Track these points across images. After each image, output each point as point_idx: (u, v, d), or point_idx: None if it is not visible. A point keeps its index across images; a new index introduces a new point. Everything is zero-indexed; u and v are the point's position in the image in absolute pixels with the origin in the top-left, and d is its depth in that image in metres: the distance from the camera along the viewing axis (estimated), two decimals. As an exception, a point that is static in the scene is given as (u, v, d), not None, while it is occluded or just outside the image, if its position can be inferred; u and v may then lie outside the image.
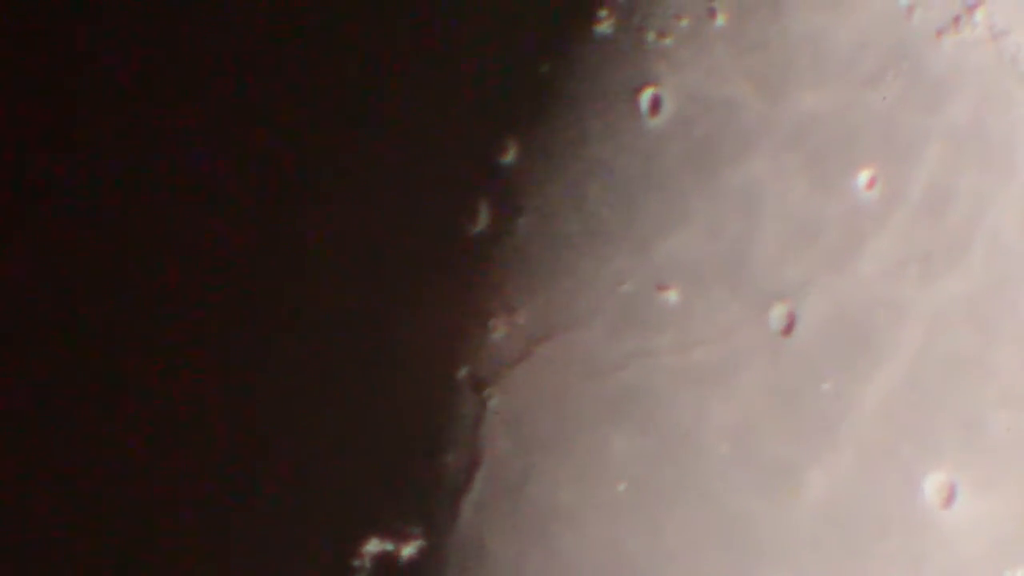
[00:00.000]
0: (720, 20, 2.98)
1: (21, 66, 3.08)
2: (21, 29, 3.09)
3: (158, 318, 3.02)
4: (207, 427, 3.01)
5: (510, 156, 2.98)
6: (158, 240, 3.03)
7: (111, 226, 3.03)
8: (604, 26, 2.98)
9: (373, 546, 2.95)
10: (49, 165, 3.06)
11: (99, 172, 3.05)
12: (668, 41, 2.98)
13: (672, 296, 2.97)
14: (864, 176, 2.98)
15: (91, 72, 3.06)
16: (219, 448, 2.99)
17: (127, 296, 3.02)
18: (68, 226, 3.04)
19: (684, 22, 2.98)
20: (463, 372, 2.97)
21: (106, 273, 3.03)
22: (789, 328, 2.97)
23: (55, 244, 3.04)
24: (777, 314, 2.97)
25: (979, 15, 2.99)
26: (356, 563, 2.95)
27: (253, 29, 3.04)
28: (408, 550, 2.95)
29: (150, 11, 3.06)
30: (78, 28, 3.08)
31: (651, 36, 2.98)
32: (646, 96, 2.98)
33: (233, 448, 2.98)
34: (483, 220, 2.98)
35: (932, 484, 2.97)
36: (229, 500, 2.97)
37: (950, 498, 2.97)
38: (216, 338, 3.02)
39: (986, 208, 2.99)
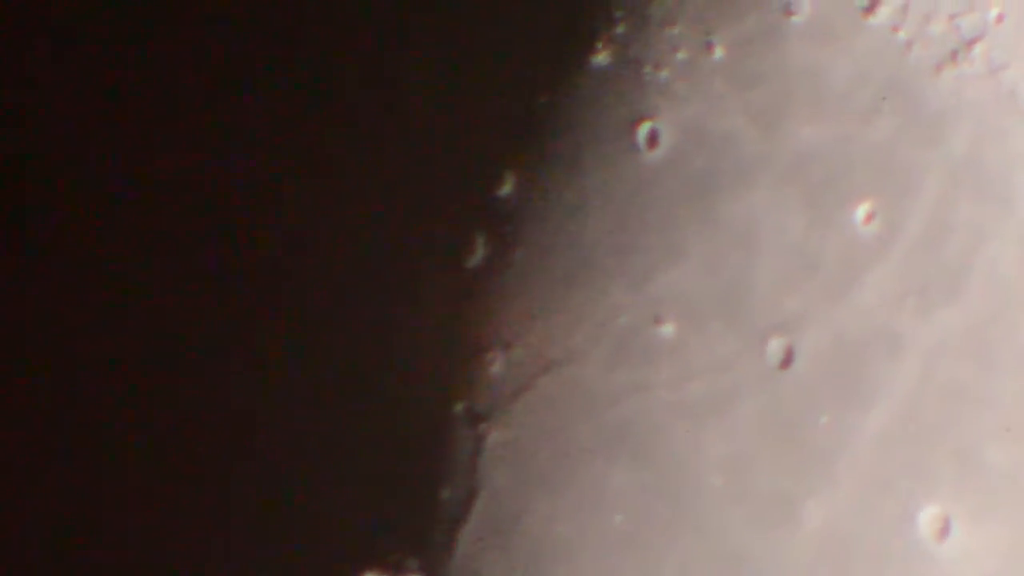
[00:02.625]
0: (718, 53, 2.97)
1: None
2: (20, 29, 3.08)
3: (140, 342, 3.02)
4: (202, 456, 3.00)
5: (507, 188, 2.97)
6: (147, 253, 3.03)
7: (108, 225, 3.03)
8: (601, 58, 2.97)
9: (370, 581, 2.95)
10: (47, 163, 3.06)
11: (99, 170, 3.04)
12: (665, 74, 2.97)
13: (669, 329, 2.97)
14: (862, 210, 2.98)
15: (91, 68, 3.06)
16: (214, 481, 2.99)
17: (117, 305, 3.02)
18: (62, 225, 3.04)
19: (681, 55, 2.97)
20: (460, 406, 2.97)
21: (101, 274, 3.02)
22: (787, 361, 2.97)
23: (51, 244, 3.04)
24: (775, 347, 2.97)
25: (978, 49, 2.99)
26: (353, 600, 2.95)
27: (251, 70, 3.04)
28: (405, 585, 2.95)
29: (156, 7, 3.05)
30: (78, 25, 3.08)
31: (648, 69, 2.97)
32: (643, 129, 2.97)
33: (229, 482, 2.98)
34: (480, 253, 2.97)
35: (928, 517, 2.97)
36: (223, 535, 2.97)
37: (945, 531, 2.97)
38: (211, 368, 3.01)
39: (984, 241, 2.99)
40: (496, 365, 2.97)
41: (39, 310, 3.04)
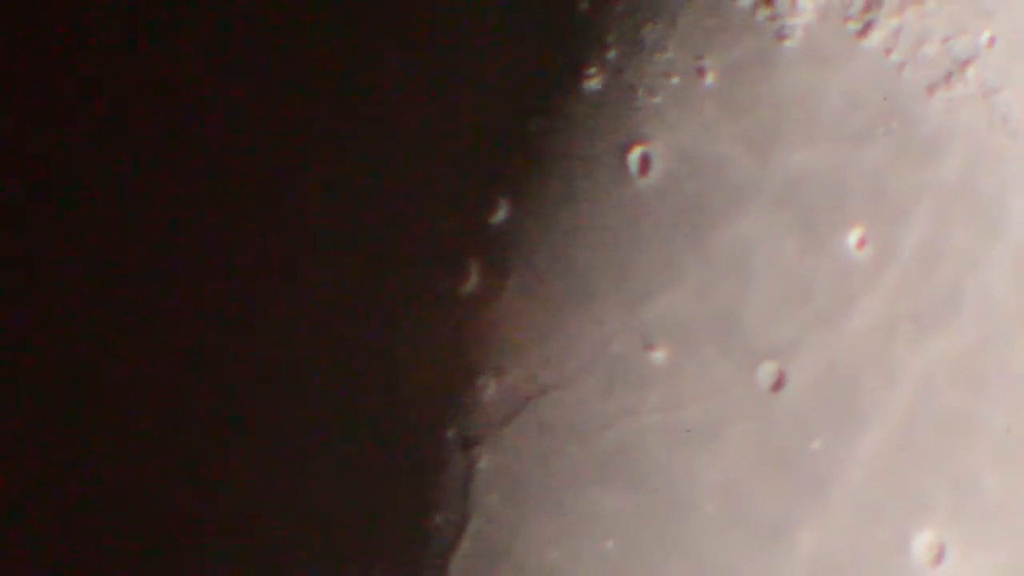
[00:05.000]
0: (710, 79, 2.97)
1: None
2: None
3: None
4: (191, 482, 3.01)
5: (500, 215, 2.97)
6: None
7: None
8: (593, 83, 2.97)
9: (362, 609, 2.96)
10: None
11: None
12: (658, 99, 2.97)
13: (661, 355, 2.97)
14: (855, 235, 2.97)
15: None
16: (204, 506, 2.99)
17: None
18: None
19: (674, 80, 2.97)
20: (452, 431, 2.97)
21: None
22: (779, 386, 2.97)
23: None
24: (767, 373, 2.97)
25: (971, 72, 2.98)
26: (344, 629, 2.96)
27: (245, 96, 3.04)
28: (397, 612, 2.96)
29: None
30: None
31: (641, 94, 2.97)
32: (636, 154, 2.97)
33: (219, 506, 2.98)
34: (473, 279, 2.97)
35: (922, 543, 2.97)
36: (213, 558, 2.97)
37: (939, 557, 2.97)
38: (201, 389, 3.02)
39: (977, 266, 2.98)
40: (489, 390, 2.97)
41: (39, 309, 3.04)
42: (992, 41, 2.99)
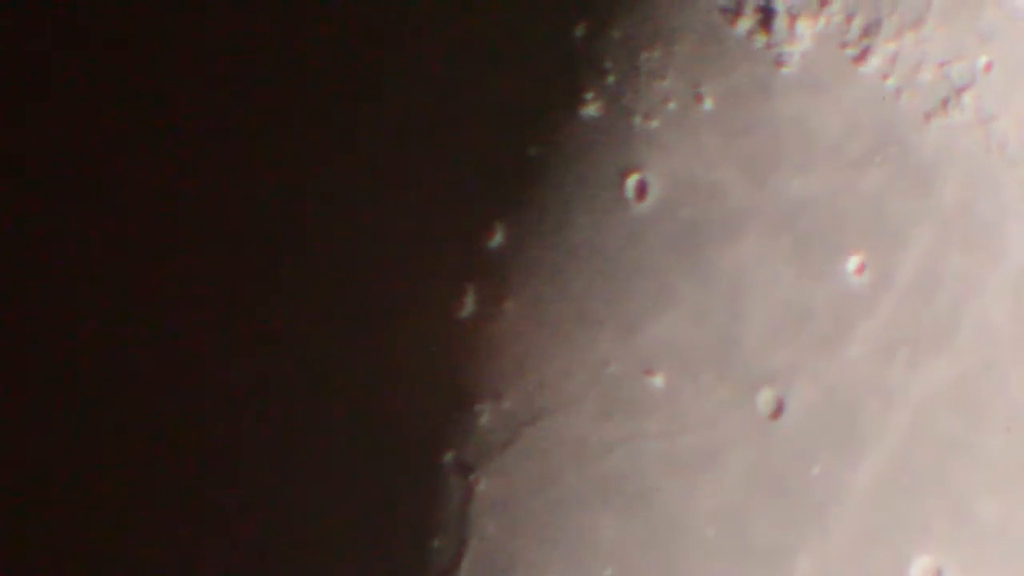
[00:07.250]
0: (707, 104, 2.97)
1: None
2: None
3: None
4: (190, 500, 3.01)
5: (496, 240, 2.98)
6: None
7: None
8: (591, 109, 2.98)
9: (359, 635, 2.95)
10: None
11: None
12: (655, 125, 2.97)
13: (659, 380, 2.97)
14: (852, 261, 2.97)
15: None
16: (201, 524, 2.99)
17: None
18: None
19: (671, 106, 2.97)
20: (450, 456, 2.97)
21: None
22: (777, 412, 2.97)
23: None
24: (765, 399, 2.97)
25: (967, 99, 2.98)
26: (341, 655, 2.95)
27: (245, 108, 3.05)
28: (394, 638, 2.95)
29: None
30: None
31: (638, 120, 2.97)
32: (633, 180, 2.98)
33: (214, 528, 2.98)
34: (470, 304, 2.98)
35: (920, 567, 2.96)
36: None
37: (938, 583, 2.97)
38: (194, 417, 3.02)
39: (974, 292, 2.98)
40: (486, 415, 2.98)
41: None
42: (989, 66, 2.99)
